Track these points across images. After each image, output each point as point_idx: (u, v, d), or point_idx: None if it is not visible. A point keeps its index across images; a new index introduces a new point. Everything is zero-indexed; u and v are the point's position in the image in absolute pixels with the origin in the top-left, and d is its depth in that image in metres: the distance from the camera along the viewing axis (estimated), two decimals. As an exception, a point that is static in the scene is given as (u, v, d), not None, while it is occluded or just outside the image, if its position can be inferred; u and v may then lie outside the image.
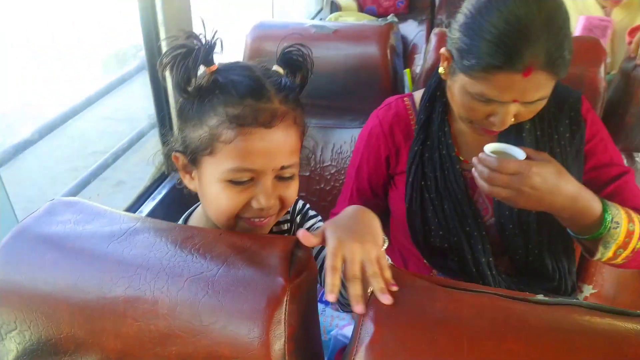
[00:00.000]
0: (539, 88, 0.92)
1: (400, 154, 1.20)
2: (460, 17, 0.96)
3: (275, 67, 0.82)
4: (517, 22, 0.86)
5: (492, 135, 1.05)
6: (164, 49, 1.29)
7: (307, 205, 0.97)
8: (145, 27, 1.25)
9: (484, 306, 0.56)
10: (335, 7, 2.96)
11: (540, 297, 0.58)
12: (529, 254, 1.10)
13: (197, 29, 0.78)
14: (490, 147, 0.96)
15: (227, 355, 0.58)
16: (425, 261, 1.21)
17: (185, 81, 0.74)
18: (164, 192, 1.36)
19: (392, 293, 0.58)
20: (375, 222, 0.71)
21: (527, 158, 0.93)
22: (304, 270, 0.62)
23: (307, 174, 1.63)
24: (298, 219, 0.95)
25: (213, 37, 0.74)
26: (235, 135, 0.73)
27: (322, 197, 1.62)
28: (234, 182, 0.75)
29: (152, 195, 1.34)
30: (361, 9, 3.00)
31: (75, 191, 1.36)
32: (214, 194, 0.77)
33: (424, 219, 1.13)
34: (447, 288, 0.60)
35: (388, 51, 1.54)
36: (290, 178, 0.79)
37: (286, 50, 0.83)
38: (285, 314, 0.57)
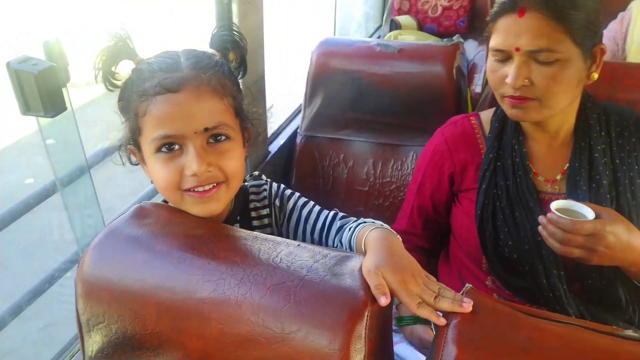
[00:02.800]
0: (537, 33, 0.94)
1: (466, 172, 1.20)
2: None
3: (211, 51, 0.84)
4: None
5: (519, 104, 1.02)
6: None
7: (282, 186, 0.97)
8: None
9: (571, 338, 0.55)
10: (394, 25, 2.97)
11: (630, 332, 0.56)
12: (602, 278, 1.06)
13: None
14: (555, 205, 0.96)
15: (306, 364, 0.59)
16: (487, 282, 1.19)
17: (107, 75, 0.79)
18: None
19: (473, 315, 0.58)
20: (400, 244, 0.74)
21: (596, 216, 0.93)
22: (382, 287, 0.63)
23: (366, 189, 1.65)
24: (277, 202, 0.94)
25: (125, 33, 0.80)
26: (147, 106, 0.76)
27: (381, 212, 1.62)
28: (163, 152, 0.77)
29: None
30: (421, 27, 3.00)
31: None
32: (152, 170, 0.80)
33: (495, 227, 1.12)
34: (529, 316, 0.59)
35: (454, 71, 1.54)
36: (223, 142, 0.78)
37: (214, 34, 0.85)
38: (365, 329, 0.58)
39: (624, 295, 1.06)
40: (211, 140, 0.77)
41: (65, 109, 0.79)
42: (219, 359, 0.64)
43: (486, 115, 1.21)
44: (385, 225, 0.81)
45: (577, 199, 1.04)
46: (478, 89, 2.58)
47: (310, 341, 0.59)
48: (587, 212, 0.94)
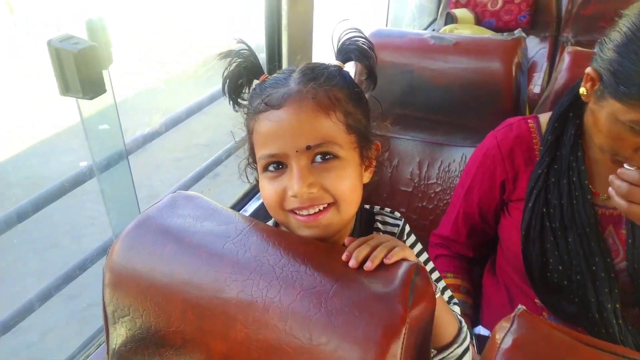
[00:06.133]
0: None
1: (518, 180, 1.11)
2: (616, 36, 0.86)
3: (336, 63, 0.78)
4: None
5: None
6: (285, 53, 1.31)
7: (413, 234, 0.90)
8: (269, 30, 1.27)
9: (641, 377, 0.47)
10: (450, 19, 2.86)
11: None
12: None
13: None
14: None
15: (334, 380, 0.55)
16: (536, 300, 1.11)
17: (234, 95, 0.78)
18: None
19: (526, 343, 0.51)
20: None
21: None
22: (422, 301, 0.57)
23: (410, 189, 1.57)
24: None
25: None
26: (254, 124, 0.74)
27: (424, 215, 1.55)
28: (268, 171, 0.73)
29: (258, 195, 1.36)
30: (479, 21, 2.87)
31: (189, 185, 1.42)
32: (261, 188, 0.76)
33: (543, 250, 1.03)
34: (590, 347, 0.52)
35: (513, 68, 1.44)
36: (331, 161, 0.71)
37: (340, 44, 0.78)
38: (402, 348, 0.53)
39: None
40: (318, 159, 0.71)
41: (104, 91, 0.77)
42: (242, 364, 0.61)
43: (546, 118, 1.11)
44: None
45: None
46: (537, 89, 2.44)
47: (339, 355, 0.54)
48: None
